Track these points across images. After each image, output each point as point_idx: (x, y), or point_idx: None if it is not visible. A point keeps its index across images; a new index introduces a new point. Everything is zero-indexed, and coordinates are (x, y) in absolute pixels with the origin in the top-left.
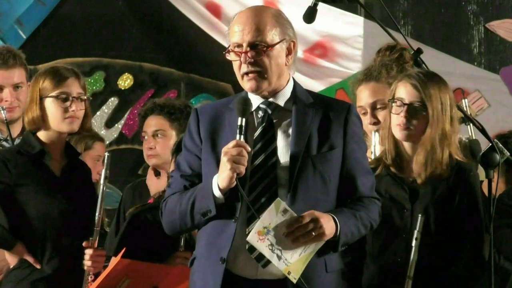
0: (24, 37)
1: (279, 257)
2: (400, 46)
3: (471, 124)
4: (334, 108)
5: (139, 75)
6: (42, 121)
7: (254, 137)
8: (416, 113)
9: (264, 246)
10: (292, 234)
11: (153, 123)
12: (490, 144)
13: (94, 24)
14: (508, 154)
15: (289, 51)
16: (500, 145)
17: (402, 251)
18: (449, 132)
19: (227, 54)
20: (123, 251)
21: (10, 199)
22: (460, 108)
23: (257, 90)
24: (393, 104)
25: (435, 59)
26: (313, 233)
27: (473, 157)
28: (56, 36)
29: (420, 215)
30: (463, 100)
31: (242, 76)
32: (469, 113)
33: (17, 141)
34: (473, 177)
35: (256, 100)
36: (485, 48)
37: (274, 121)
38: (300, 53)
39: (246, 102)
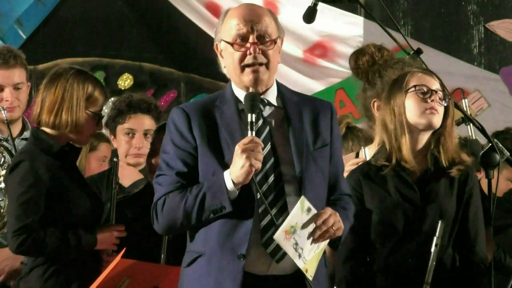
0: (24, 37)
1: (300, 256)
2: (370, 48)
3: (471, 124)
4: (319, 106)
5: (139, 75)
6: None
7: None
8: (441, 101)
9: (289, 245)
10: (317, 232)
11: (146, 122)
12: (490, 144)
13: (94, 24)
14: (508, 154)
15: (279, 49)
16: (500, 145)
17: (413, 252)
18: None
19: (233, 46)
20: (123, 251)
21: (52, 201)
22: (460, 108)
23: (256, 83)
24: (416, 92)
25: (435, 59)
26: (333, 228)
27: (473, 157)
28: (56, 36)
29: (440, 221)
30: (463, 100)
31: (243, 68)
32: (469, 113)
33: (17, 141)
34: (475, 178)
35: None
36: (485, 48)
37: (267, 118)
38: (300, 53)
39: (255, 98)
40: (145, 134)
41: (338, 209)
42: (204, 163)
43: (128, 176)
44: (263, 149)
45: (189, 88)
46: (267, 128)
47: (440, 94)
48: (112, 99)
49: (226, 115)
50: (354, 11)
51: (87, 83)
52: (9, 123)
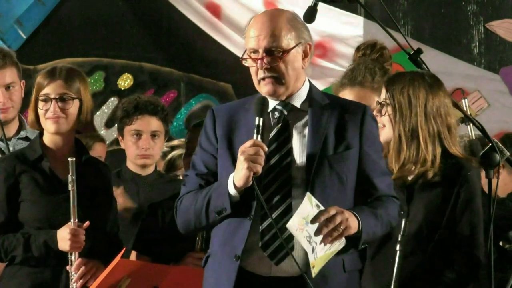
0: (24, 37)
1: (313, 250)
2: (380, 45)
3: (471, 124)
4: (350, 109)
5: (139, 75)
6: (37, 123)
7: (270, 137)
8: (382, 111)
9: (303, 237)
10: (324, 229)
11: (153, 123)
12: (490, 144)
13: (94, 24)
14: (508, 154)
15: (305, 54)
16: (500, 145)
17: (394, 254)
18: (428, 128)
19: (243, 61)
20: (122, 251)
21: (15, 209)
22: (460, 108)
23: (273, 95)
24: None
25: (435, 59)
26: (341, 227)
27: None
28: (56, 36)
29: (404, 218)
30: (463, 100)
31: (259, 81)
32: (469, 113)
33: (14, 141)
34: (470, 176)
35: (272, 101)
36: (485, 48)
37: (290, 121)
38: None
39: (264, 102)
40: (153, 136)
41: (363, 209)
42: (222, 164)
43: None
44: (278, 152)
45: (189, 88)
46: (288, 132)
47: (382, 103)
48: (112, 99)
49: (249, 117)
50: (354, 11)
51: (38, 75)
52: (3, 124)
